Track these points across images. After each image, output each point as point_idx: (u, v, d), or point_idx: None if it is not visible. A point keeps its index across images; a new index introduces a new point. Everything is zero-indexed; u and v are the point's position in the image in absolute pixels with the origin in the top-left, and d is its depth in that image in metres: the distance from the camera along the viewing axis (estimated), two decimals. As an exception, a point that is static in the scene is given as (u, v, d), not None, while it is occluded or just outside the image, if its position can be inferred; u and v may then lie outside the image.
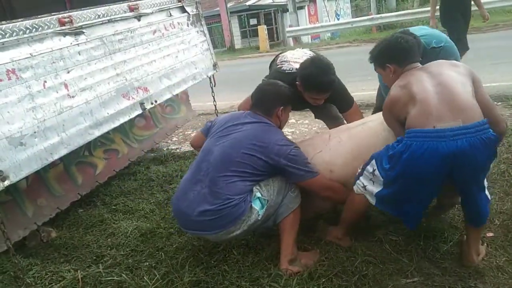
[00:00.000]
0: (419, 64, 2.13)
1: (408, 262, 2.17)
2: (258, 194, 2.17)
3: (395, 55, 2.16)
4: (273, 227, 2.34)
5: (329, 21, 21.54)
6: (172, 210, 2.38)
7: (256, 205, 2.16)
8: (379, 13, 17.43)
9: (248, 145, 2.16)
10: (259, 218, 2.17)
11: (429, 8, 11.43)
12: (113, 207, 3.36)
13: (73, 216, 3.26)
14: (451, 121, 1.77)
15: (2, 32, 2.36)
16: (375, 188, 2.08)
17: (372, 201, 2.13)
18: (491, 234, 2.32)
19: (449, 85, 1.88)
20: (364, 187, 2.14)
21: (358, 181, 2.17)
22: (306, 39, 17.57)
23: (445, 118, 1.79)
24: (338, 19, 23.35)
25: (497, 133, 1.83)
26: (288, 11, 18.52)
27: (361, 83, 6.45)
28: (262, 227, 2.31)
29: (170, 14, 3.70)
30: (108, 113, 2.86)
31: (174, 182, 3.65)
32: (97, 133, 2.78)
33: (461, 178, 1.87)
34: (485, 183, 1.97)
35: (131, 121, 3.39)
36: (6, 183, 2.21)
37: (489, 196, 2.03)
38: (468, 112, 1.79)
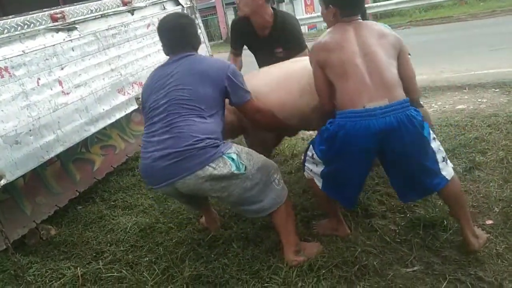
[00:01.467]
0: (360, 18, 2.13)
1: (408, 251, 2.17)
2: (235, 156, 2.06)
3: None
4: (259, 218, 2.32)
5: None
6: (141, 173, 2.24)
7: (230, 160, 2.04)
8: (375, 2, 17.33)
9: (189, 81, 2.09)
10: (232, 173, 2.02)
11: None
12: (112, 203, 3.35)
13: (72, 213, 3.25)
14: (379, 101, 1.88)
15: (-6, 30, 2.34)
16: (319, 169, 2.16)
17: (319, 184, 2.18)
18: (490, 222, 2.31)
19: (378, 61, 1.95)
20: (311, 170, 2.22)
21: (305, 167, 2.27)
22: (302, 29, 17.45)
23: (374, 98, 1.89)
24: (334, 9, 23.18)
25: (412, 101, 1.97)
26: (284, 1, 18.41)
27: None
28: (244, 211, 2.22)
29: (164, 7, 3.67)
30: (103, 109, 2.85)
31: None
32: (93, 129, 2.77)
33: (392, 153, 1.98)
34: (439, 164, 2.03)
35: (127, 116, 3.37)
36: (3, 182, 2.21)
37: (447, 176, 2.05)
38: (393, 91, 1.92)
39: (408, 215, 2.46)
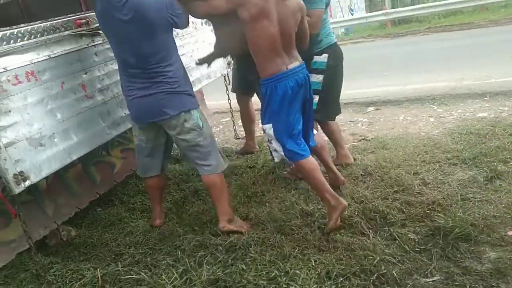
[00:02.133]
0: None
1: (427, 261, 2.15)
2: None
3: None
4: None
5: (343, 17, 21.34)
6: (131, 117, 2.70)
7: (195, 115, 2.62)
8: (393, 8, 17.19)
9: (141, 32, 2.43)
10: (197, 127, 2.62)
11: (447, 2, 11.26)
12: (131, 205, 3.39)
13: (92, 215, 3.30)
14: (294, 63, 2.55)
15: (21, 35, 2.39)
16: (276, 136, 2.60)
17: (282, 154, 2.63)
18: (511, 233, 2.28)
19: (290, 33, 2.53)
20: (275, 150, 2.65)
21: (273, 154, 2.78)
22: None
23: (291, 62, 2.54)
24: (352, 14, 23.12)
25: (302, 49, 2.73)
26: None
27: (377, 78, 6.40)
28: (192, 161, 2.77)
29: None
30: (125, 113, 2.89)
31: (190, 181, 3.67)
32: (114, 133, 2.81)
33: (307, 101, 2.68)
34: None
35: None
36: (27, 183, 2.25)
37: None
38: (298, 56, 2.61)
39: (428, 224, 2.44)
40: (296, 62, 2.56)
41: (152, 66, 2.47)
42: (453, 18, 13.42)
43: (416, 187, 2.88)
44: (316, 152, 2.96)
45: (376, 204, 2.71)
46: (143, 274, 2.38)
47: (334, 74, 3.26)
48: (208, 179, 2.76)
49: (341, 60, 3.32)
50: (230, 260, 2.40)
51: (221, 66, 4.22)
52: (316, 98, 3.05)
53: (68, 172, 3.08)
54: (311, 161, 2.61)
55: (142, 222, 3.08)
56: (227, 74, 4.45)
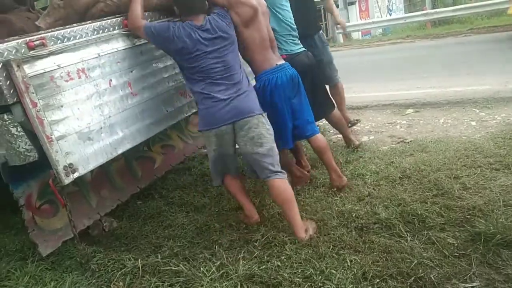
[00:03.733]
0: None
1: (467, 266, 2.12)
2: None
3: None
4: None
5: (381, 17, 20.98)
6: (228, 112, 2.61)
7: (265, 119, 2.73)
8: (434, 8, 16.75)
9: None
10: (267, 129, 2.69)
11: (491, 2, 10.86)
12: (170, 199, 3.50)
13: (133, 208, 3.43)
14: (280, 61, 2.98)
15: (74, 34, 2.52)
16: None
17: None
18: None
19: (271, 36, 2.97)
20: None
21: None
22: (356, 35, 17.23)
23: (278, 60, 2.97)
24: (390, 15, 22.68)
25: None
26: (338, 7, 18.24)
27: (416, 80, 6.27)
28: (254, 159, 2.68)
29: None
30: (167, 111, 2.98)
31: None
32: (157, 129, 2.90)
33: (298, 93, 3.02)
34: None
35: (186, 118, 3.50)
36: (75, 175, 2.36)
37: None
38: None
39: (468, 229, 2.39)
40: (281, 60, 2.99)
41: (234, 72, 2.66)
42: (496, 19, 12.95)
43: (456, 192, 2.82)
44: (318, 153, 3.22)
45: (415, 207, 2.68)
46: (181, 266, 2.46)
47: (302, 81, 3.18)
48: (274, 183, 2.65)
49: (304, 66, 3.29)
50: (266, 257, 2.44)
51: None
52: None
53: (111, 165, 3.21)
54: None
55: (180, 216, 3.18)
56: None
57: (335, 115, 3.79)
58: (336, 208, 2.83)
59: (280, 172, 2.67)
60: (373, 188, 3.05)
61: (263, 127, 2.65)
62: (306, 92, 3.12)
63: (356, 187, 3.12)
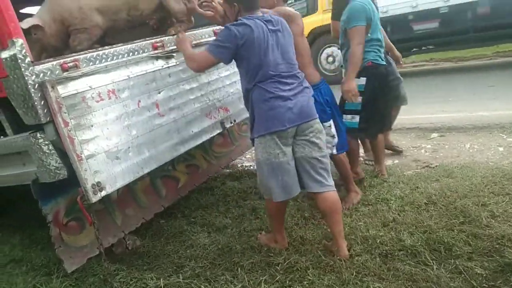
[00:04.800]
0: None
1: (496, 298, 2.05)
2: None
3: None
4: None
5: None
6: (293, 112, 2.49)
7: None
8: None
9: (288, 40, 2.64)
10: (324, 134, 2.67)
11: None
12: (192, 219, 3.52)
13: (156, 226, 3.45)
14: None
15: (105, 56, 2.62)
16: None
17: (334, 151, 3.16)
18: None
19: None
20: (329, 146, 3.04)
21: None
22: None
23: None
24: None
25: None
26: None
27: (441, 104, 6.21)
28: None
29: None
30: (193, 131, 3.04)
31: (248, 199, 3.75)
32: (183, 149, 2.96)
33: None
34: None
35: (210, 138, 3.55)
36: (103, 193, 2.42)
37: None
38: None
39: (497, 259, 2.32)
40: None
41: (297, 71, 2.61)
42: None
43: (484, 220, 2.75)
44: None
45: (441, 235, 2.62)
46: (203, 287, 2.45)
47: (373, 95, 3.35)
48: (329, 196, 2.59)
49: (383, 80, 3.38)
50: (288, 281, 2.41)
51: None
52: (356, 118, 3.35)
53: (137, 184, 3.26)
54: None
55: (202, 236, 3.18)
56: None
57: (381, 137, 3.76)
58: (360, 234, 2.79)
59: (332, 184, 2.61)
60: (398, 214, 3.00)
61: (322, 132, 2.63)
62: (373, 104, 3.28)
63: (380, 212, 3.08)
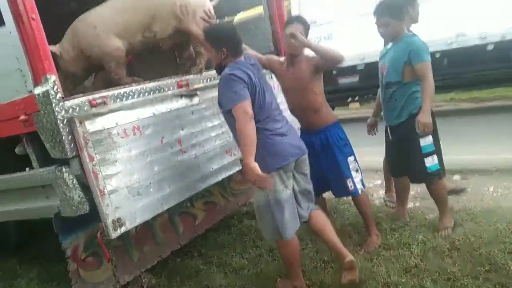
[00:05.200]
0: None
1: None
2: None
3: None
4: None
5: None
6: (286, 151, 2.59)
7: None
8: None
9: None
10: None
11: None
12: (208, 258, 3.47)
13: (172, 265, 3.41)
14: None
15: (132, 93, 2.69)
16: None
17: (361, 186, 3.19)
18: None
19: None
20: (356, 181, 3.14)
21: (355, 184, 3.14)
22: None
23: None
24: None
25: None
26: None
27: (462, 145, 6.11)
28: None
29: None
30: (213, 168, 3.05)
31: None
32: (202, 186, 2.96)
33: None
34: None
35: (230, 175, 3.56)
36: (123, 229, 2.42)
37: None
38: None
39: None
40: None
41: (281, 109, 2.75)
42: None
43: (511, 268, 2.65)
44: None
45: (466, 283, 2.52)
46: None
47: (436, 134, 3.40)
48: (318, 213, 2.81)
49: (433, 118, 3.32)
50: (307, 326, 2.34)
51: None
52: (435, 159, 3.32)
53: (156, 221, 3.25)
54: None
55: (218, 277, 3.13)
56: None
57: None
58: (382, 280, 2.70)
59: (313, 203, 2.85)
60: (420, 259, 2.91)
61: (309, 165, 2.79)
62: (438, 143, 3.38)
63: (402, 257, 2.98)
